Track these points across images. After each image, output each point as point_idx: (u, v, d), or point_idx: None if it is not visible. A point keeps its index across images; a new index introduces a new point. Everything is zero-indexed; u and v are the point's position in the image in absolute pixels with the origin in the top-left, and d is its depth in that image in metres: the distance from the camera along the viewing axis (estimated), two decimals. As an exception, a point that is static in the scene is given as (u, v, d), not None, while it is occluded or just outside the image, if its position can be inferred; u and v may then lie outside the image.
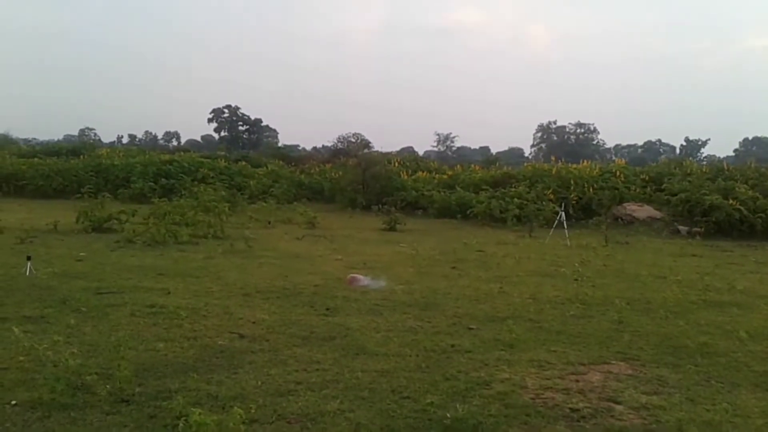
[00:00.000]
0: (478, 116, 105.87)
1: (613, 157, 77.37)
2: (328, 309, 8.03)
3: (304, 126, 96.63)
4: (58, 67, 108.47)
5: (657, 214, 21.90)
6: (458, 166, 33.05)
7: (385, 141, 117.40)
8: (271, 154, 43.10)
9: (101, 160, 31.06)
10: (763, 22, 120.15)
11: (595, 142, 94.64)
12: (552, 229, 17.72)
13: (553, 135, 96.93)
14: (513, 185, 25.26)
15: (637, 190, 24.04)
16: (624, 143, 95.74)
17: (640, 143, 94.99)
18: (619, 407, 4.91)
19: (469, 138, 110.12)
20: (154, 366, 5.53)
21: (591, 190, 23.65)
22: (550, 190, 23.78)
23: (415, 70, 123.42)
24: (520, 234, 18.74)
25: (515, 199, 22.75)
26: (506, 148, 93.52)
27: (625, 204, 22.74)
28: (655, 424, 4.64)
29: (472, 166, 32.88)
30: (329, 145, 64.76)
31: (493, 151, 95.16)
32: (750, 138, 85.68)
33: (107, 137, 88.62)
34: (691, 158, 58.59)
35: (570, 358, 6.11)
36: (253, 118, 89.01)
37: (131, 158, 31.42)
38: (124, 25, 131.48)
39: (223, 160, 32.78)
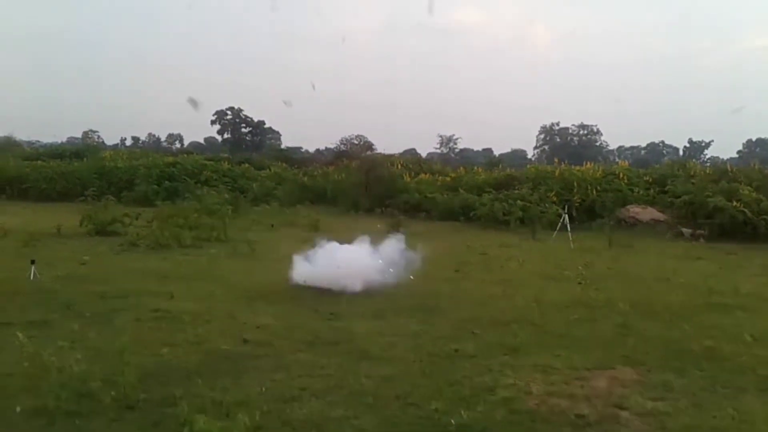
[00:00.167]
0: (480, 117, 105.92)
1: (617, 159, 77.31)
2: (332, 313, 8.03)
3: (306, 128, 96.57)
4: (61, 69, 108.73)
5: (661, 216, 21.83)
6: (461, 168, 32.99)
7: (387, 142, 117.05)
8: (274, 156, 43.13)
9: (105, 162, 31.10)
10: (765, 21, 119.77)
11: (598, 144, 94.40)
12: (555, 232, 17.69)
13: (556, 137, 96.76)
14: (516, 187, 25.22)
15: (641, 193, 23.96)
16: (627, 145, 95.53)
17: (643, 145, 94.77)
18: (624, 413, 4.90)
19: (472, 139, 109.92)
20: (159, 372, 5.53)
21: (594, 192, 23.59)
22: (553, 193, 23.73)
23: (417, 71, 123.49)
24: (524, 236, 18.70)
25: (518, 202, 22.70)
26: (509, 150, 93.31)
27: (628, 206, 22.67)
28: (661, 430, 4.63)
29: (475, 168, 32.83)
30: (332, 147, 64.81)
31: (496, 152, 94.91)
32: (754, 139, 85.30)
33: (110, 139, 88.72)
34: (694, 160, 58.51)
35: (575, 363, 6.10)
36: (256, 120, 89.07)
37: (135, 161, 31.46)
38: (127, 26, 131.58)
39: (226, 163, 32.80)
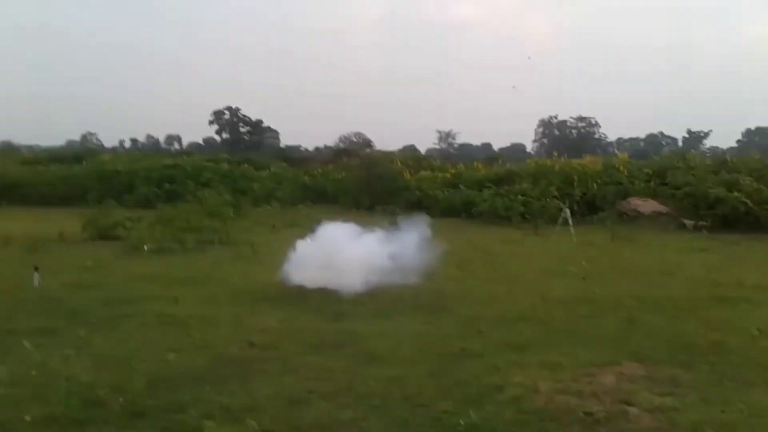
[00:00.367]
0: (479, 111, 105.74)
1: (616, 151, 77.22)
2: (336, 314, 8.03)
3: (305, 125, 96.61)
4: (58, 71, 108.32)
5: (662, 208, 21.84)
6: (461, 164, 33.00)
7: (386, 138, 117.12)
8: (274, 156, 43.14)
9: (104, 166, 31.09)
10: (763, 9, 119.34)
11: (596, 136, 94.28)
12: (557, 227, 17.70)
13: (554, 130, 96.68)
14: (516, 182, 25.24)
15: (641, 185, 23.98)
16: (626, 136, 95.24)
17: (642, 136, 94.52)
18: (633, 410, 4.89)
19: (471, 134, 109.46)
20: (166, 377, 5.53)
21: (595, 185, 23.62)
22: (554, 187, 23.73)
23: (415, 65, 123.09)
24: (526, 232, 18.71)
25: (519, 197, 22.73)
26: (508, 144, 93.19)
27: (629, 199, 22.67)
28: (670, 426, 4.63)
29: (475, 163, 32.82)
30: (331, 144, 64.80)
31: (496, 147, 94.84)
32: (753, 128, 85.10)
33: (109, 141, 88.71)
34: (693, 150, 58.44)
35: (582, 360, 6.09)
36: (254, 119, 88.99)
37: (134, 163, 31.46)
38: (123, 26, 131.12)
39: (226, 164, 32.78)
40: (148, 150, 74.88)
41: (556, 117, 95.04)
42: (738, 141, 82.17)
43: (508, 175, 26.98)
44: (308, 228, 10.95)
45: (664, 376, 5.69)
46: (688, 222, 20.10)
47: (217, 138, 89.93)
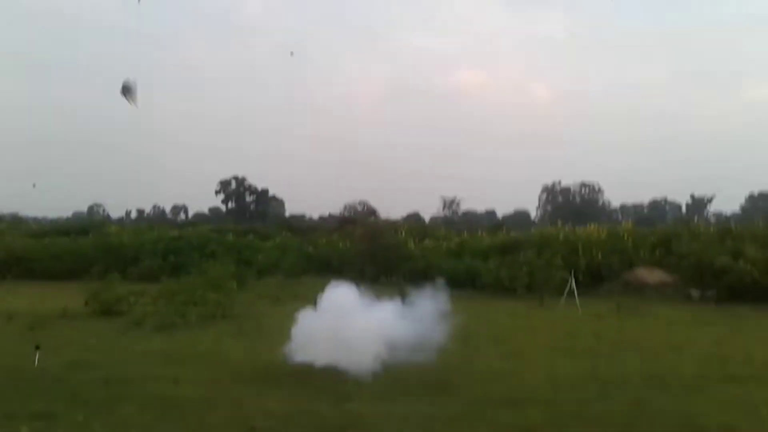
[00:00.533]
0: (482, 177, 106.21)
1: (620, 217, 77.46)
2: (341, 396, 7.89)
3: (310, 193, 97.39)
4: (64, 143, 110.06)
5: (668, 278, 21.73)
6: (465, 232, 33.09)
7: (391, 206, 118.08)
8: (279, 225, 43.36)
9: (110, 238, 31.25)
10: (763, 72, 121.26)
11: (600, 203, 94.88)
12: (563, 298, 17.58)
13: (558, 196, 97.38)
14: (521, 251, 25.18)
15: (647, 254, 23.92)
16: (629, 202, 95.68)
17: (646, 202, 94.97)
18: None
19: (475, 200, 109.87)
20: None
21: (600, 255, 23.56)
22: (559, 256, 23.65)
23: (419, 133, 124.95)
24: (531, 305, 18.57)
25: (524, 267, 22.63)
26: (512, 211, 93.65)
27: (635, 269, 22.59)
28: None
29: (480, 232, 32.91)
30: (336, 213, 65.18)
31: (499, 214, 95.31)
32: (756, 194, 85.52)
33: (116, 212, 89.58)
34: (697, 216, 58.60)
35: (590, 446, 5.96)
36: (260, 188, 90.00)
37: (140, 236, 31.62)
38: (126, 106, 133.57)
39: (231, 234, 32.94)
40: (154, 220, 75.45)
41: (559, 183, 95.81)
42: (741, 206, 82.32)
43: (513, 244, 26.94)
44: (312, 300, 10.78)
45: (674, 463, 5.55)
46: (695, 292, 19.95)
47: (223, 207, 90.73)
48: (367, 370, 8.80)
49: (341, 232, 35.21)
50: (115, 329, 13.31)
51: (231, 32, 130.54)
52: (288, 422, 6.78)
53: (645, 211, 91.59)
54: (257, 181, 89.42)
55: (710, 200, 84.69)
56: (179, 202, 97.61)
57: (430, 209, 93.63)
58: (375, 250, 27.64)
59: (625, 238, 25.10)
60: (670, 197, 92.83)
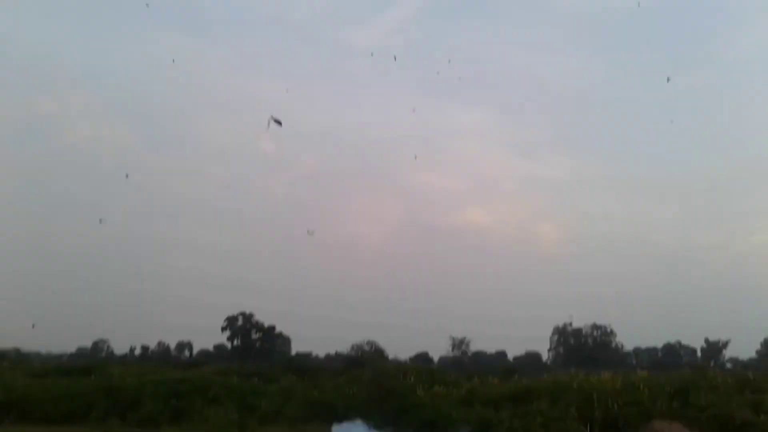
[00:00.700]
0: (492, 316, 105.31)
1: (633, 361, 75.72)
2: None
3: (316, 330, 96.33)
4: (70, 278, 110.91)
5: (688, 433, 20.83)
6: (476, 378, 32.30)
7: (398, 345, 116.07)
8: (284, 366, 42.61)
9: (112, 380, 30.66)
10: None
11: (613, 345, 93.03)
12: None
13: (570, 338, 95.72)
14: (534, 400, 24.42)
15: (664, 405, 23.10)
16: (643, 346, 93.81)
17: (660, 345, 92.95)
18: None
19: (485, 340, 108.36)
20: None
21: (616, 406, 22.77)
22: (574, 407, 22.89)
23: (427, 271, 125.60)
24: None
25: (538, 418, 21.86)
26: (523, 353, 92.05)
27: (653, 422, 21.70)
28: None
29: (490, 378, 32.11)
30: (343, 352, 64.16)
31: (510, 355, 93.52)
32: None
33: (120, 348, 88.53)
34: (713, 361, 57.15)
35: None
36: (266, 325, 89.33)
37: (143, 377, 31.04)
38: (134, 238, 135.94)
39: (235, 377, 32.31)
40: (158, 358, 74.53)
41: (570, 324, 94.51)
42: (757, 351, 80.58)
43: (525, 392, 26.18)
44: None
45: None
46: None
47: (228, 344, 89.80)
48: None
49: (348, 376, 34.46)
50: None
51: (248, 167, 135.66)
52: None
53: (659, 355, 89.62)
54: (264, 317, 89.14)
55: (725, 345, 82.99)
56: (184, 338, 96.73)
57: (439, 349, 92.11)
58: (382, 397, 26.89)
59: (641, 388, 24.35)
60: (684, 341, 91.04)
